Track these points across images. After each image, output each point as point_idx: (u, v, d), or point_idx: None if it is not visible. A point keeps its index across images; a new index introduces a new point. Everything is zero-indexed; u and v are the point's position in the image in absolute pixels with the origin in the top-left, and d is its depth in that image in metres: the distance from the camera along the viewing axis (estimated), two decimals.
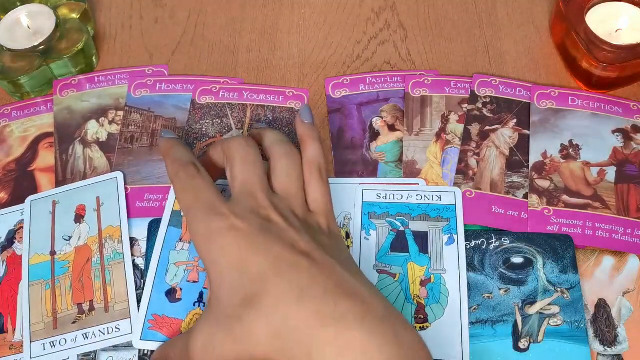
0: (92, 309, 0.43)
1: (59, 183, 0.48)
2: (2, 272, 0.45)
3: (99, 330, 0.42)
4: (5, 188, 0.48)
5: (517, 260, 0.43)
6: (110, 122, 0.51)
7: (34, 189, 0.48)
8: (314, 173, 0.40)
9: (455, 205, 0.45)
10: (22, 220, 0.46)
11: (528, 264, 0.43)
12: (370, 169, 0.48)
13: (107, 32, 0.57)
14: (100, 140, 0.50)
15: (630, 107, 0.49)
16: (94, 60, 0.54)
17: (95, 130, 0.50)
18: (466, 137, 0.49)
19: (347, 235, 0.45)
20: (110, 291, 0.43)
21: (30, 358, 0.41)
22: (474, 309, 0.42)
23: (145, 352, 0.41)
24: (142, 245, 0.45)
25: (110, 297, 0.43)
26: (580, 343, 0.40)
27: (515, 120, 0.49)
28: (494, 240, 0.44)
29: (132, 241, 0.45)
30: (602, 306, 0.42)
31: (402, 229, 0.44)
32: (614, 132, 0.48)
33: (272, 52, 0.55)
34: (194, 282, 0.43)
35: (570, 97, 0.50)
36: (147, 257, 0.44)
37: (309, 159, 0.40)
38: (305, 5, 0.58)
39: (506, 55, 0.54)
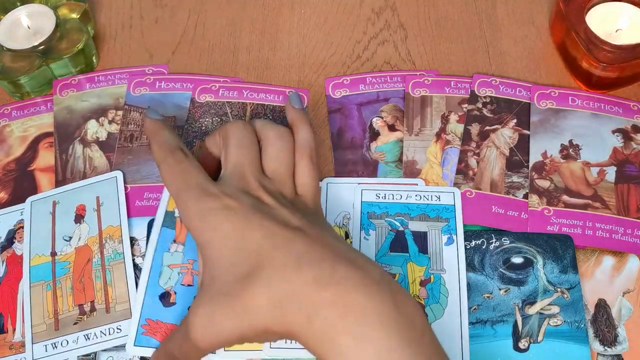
0: (93, 309, 0.43)
1: (58, 183, 0.48)
2: (2, 272, 0.45)
3: (101, 331, 0.42)
4: (5, 188, 0.48)
5: (517, 260, 0.43)
6: (110, 122, 0.51)
7: (33, 188, 0.48)
8: (304, 157, 0.40)
9: (455, 205, 0.45)
10: (22, 220, 0.46)
11: (528, 264, 0.43)
12: (370, 169, 0.48)
13: (107, 32, 0.57)
14: (100, 139, 0.50)
15: (630, 107, 0.49)
16: (94, 60, 0.54)
17: (95, 129, 0.50)
18: (466, 137, 0.49)
19: (347, 235, 0.45)
20: (111, 292, 0.43)
21: (33, 359, 0.41)
22: (474, 309, 0.42)
23: None
24: (142, 245, 0.45)
25: (111, 297, 0.43)
26: (580, 343, 0.40)
27: (515, 120, 0.49)
28: (494, 240, 0.44)
29: (132, 241, 0.45)
30: (602, 306, 0.42)
31: (401, 229, 0.44)
32: (614, 132, 0.48)
33: (272, 52, 0.55)
34: (189, 285, 0.42)
35: (570, 97, 0.50)
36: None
37: (299, 142, 0.41)
38: (305, 5, 0.58)
39: (506, 55, 0.54)
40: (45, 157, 0.50)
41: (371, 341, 0.30)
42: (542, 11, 0.57)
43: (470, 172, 0.47)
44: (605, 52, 0.48)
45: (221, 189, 0.37)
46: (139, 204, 0.47)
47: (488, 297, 0.42)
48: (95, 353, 0.41)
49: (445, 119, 0.50)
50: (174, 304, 0.42)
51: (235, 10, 0.58)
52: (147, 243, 0.45)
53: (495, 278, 0.43)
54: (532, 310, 0.42)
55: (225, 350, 0.40)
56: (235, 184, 0.37)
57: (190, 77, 0.53)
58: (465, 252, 0.43)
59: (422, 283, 0.42)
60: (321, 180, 0.47)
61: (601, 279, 0.43)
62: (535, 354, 0.40)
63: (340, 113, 0.51)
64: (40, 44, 0.51)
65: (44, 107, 0.52)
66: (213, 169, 0.42)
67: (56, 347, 0.41)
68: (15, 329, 0.43)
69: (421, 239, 0.44)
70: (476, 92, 0.51)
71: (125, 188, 0.47)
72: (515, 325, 0.41)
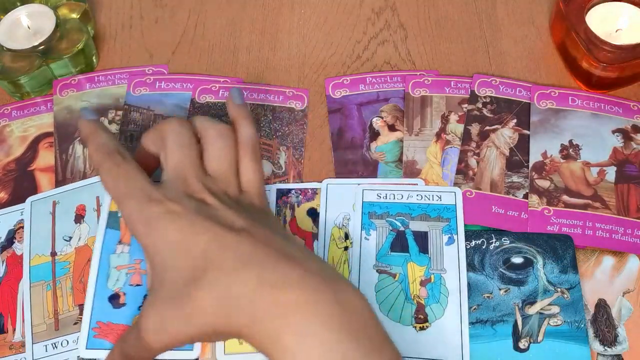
0: None
1: (58, 182, 0.48)
2: (2, 272, 0.45)
3: None
4: (5, 188, 0.48)
5: (517, 260, 0.43)
6: (110, 122, 0.51)
7: (33, 188, 0.48)
8: (248, 153, 0.40)
9: (456, 205, 0.45)
10: (22, 220, 0.46)
11: (528, 264, 0.43)
12: (370, 169, 0.48)
13: (107, 32, 0.57)
14: None
15: (630, 107, 0.49)
16: (94, 60, 0.54)
17: None
18: (466, 137, 0.49)
19: (347, 236, 0.45)
20: None
21: (33, 359, 0.41)
22: (474, 309, 0.42)
23: None
24: None
25: None
26: (580, 343, 0.40)
27: (515, 120, 0.49)
28: (494, 240, 0.44)
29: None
30: (602, 306, 0.42)
31: (402, 228, 0.44)
32: (614, 132, 0.48)
33: (272, 52, 0.55)
34: (137, 285, 0.43)
35: (570, 97, 0.50)
36: None
37: (242, 139, 0.40)
38: (305, 5, 0.58)
39: (506, 55, 0.54)
40: (45, 157, 0.50)
41: (313, 337, 0.30)
42: (542, 11, 0.57)
43: (470, 172, 0.47)
44: (605, 52, 0.48)
45: (164, 193, 0.36)
46: None
47: (488, 297, 0.42)
48: None
49: (445, 119, 0.50)
50: (123, 304, 0.42)
51: (235, 10, 0.58)
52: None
53: (495, 278, 0.43)
54: (532, 310, 0.42)
55: (225, 354, 0.40)
56: (178, 187, 0.37)
57: (190, 77, 0.53)
58: (465, 252, 0.43)
59: (423, 283, 0.42)
60: (321, 182, 0.47)
61: (601, 279, 0.43)
62: (535, 354, 0.40)
63: (340, 113, 0.51)
64: (40, 44, 0.51)
65: (44, 107, 0.52)
66: (152, 168, 0.41)
67: (56, 347, 0.41)
68: (15, 329, 0.43)
69: (422, 238, 0.44)
70: (476, 92, 0.51)
71: None
72: (515, 325, 0.41)
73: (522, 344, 0.40)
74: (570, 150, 0.48)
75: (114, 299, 0.42)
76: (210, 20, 0.57)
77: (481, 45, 0.55)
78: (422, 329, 0.41)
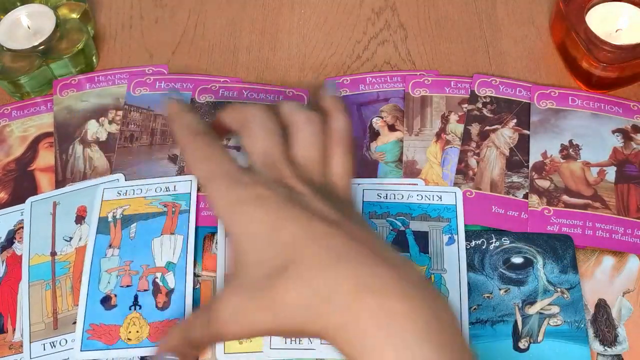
0: None
1: (58, 183, 0.48)
2: (2, 272, 0.45)
3: None
4: (5, 188, 0.48)
5: (517, 260, 0.43)
6: (110, 122, 0.51)
7: (33, 188, 0.48)
8: (340, 145, 0.38)
9: (456, 205, 0.45)
10: (22, 220, 0.46)
11: (528, 264, 0.43)
12: (370, 169, 0.48)
13: (107, 32, 0.57)
14: (100, 139, 0.50)
15: (630, 107, 0.49)
16: (94, 60, 0.54)
17: (95, 129, 0.50)
18: (466, 137, 0.49)
19: None
20: None
21: (30, 358, 0.41)
22: (474, 309, 0.42)
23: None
24: None
25: None
26: (580, 343, 0.40)
27: (515, 120, 0.49)
28: (494, 240, 0.44)
29: None
30: (602, 306, 0.42)
31: (402, 228, 0.44)
32: (614, 132, 0.48)
33: (272, 52, 0.55)
34: (128, 286, 0.43)
35: (570, 97, 0.50)
36: None
37: (335, 130, 0.38)
38: (305, 5, 0.58)
39: (506, 55, 0.54)
40: (45, 157, 0.50)
41: (410, 350, 0.29)
42: (542, 11, 0.57)
43: (470, 172, 0.47)
44: (605, 52, 0.48)
45: (252, 177, 0.35)
46: None
47: (488, 297, 0.42)
48: None
49: (445, 119, 0.50)
50: (115, 306, 0.42)
51: (235, 10, 0.58)
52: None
53: (495, 278, 0.43)
54: (532, 310, 0.42)
55: (225, 353, 0.40)
56: (267, 173, 0.35)
57: (190, 77, 0.53)
58: (465, 252, 0.43)
59: None
60: None
61: (601, 279, 0.43)
62: (535, 354, 0.40)
63: None
64: (40, 44, 0.51)
65: (44, 107, 0.52)
66: (222, 136, 0.40)
67: (54, 346, 0.41)
68: (15, 329, 0.43)
69: (422, 238, 0.44)
70: (476, 92, 0.51)
71: None
72: (515, 325, 0.41)
73: (522, 344, 0.40)
74: (570, 150, 0.48)
75: (106, 301, 0.43)
76: (210, 20, 0.57)
77: (481, 45, 0.55)
78: None
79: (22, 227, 0.46)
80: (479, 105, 0.50)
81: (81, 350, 0.41)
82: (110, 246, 0.44)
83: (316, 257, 0.32)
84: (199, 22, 0.57)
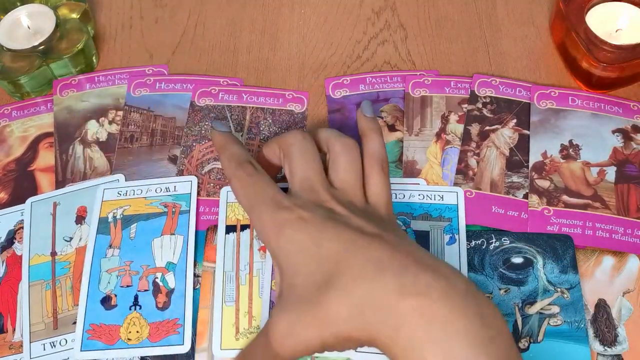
0: None
1: (58, 183, 0.48)
2: (2, 272, 0.45)
3: None
4: (5, 188, 0.48)
5: (517, 260, 0.43)
6: (110, 122, 0.51)
7: (33, 188, 0.48)
8: (375, 167, 0.40)
9: (457, 205, 0.45)
10: (22, 220, 0.46)
11: (528, 264, 0.43)
12: None
13: (107, 32, 0.57)
14: (100, 140, 0.50)
15: (630, 107, 0.49)
16: (94, 60, 0.54)
17: (95, 130, 0.50)
18: (466, 137, 0.49)
19: None
20: None
21: (30, 358, 0.41)
22: None
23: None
24: None
25: None
26: (580, 343, 0.40)
27: (515, 120, 0.49)
28: (493, 240, 0.44)
29: None
30: (602, 306, 0.42)
31: (404, 228, 0.44)
32: (614, 132, 0.48)
33: (272, 52, 0.55)
34: (128, 286, 0.43)
35: (570, 97, 0.50)
36: None
37: (370, 152, 0.41)
38: (305, 5, 0.58)
39: (506, 55, 0.54)
40: (45, 157, 0.50)
41: (457, 356, 0.29)
42: (542, 11, 0.57)
43: (470, 172, 0.47)
44: (605, 52, 0.48)
45: (295, 202, 0.37)
46: None
47: (488, 297, 0.42)
48: None
49: (445, 119, 0.50)
50: (115, 306, 0.42)
51: (235, 10, 0.58)
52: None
53: (495, 278, 0.43)
54: (532, 310, 0.42)
55: (221, 350, 0.41)
56: (307, 197, 0.37)
57: (190, 77, 0.53)
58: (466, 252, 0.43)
59: None
60: None
61: (601, 279, 0.43)
62: (535, 353, 0.40)
63: (340, 113, 0.51)
64: (40, 44, 0.51)
65: (44, 107, 0.52)
66: (271, 175, 0.42)
67: (54, 346, 0.41)
68: (15, 329, 0.43)
69: (423, 238, 0.44)
70: (476, 92, 0.51)
71: None
72: (515, 325, 0.41)
73: (522, 343, 0.40)
74: (570, 150, 0.48)
75: (106, 301, 0.43)
76: (210, 20, 0.57)
77: (481, 45, 0.55)
78: None
79: (22, 227, 0.46)
80: (479, 105, 0.50)
81: (81, 350, 0.41)
82: (110, 246, 0.44)
83: (359, 268, 0.33)
84: (199, 22, 0.57)
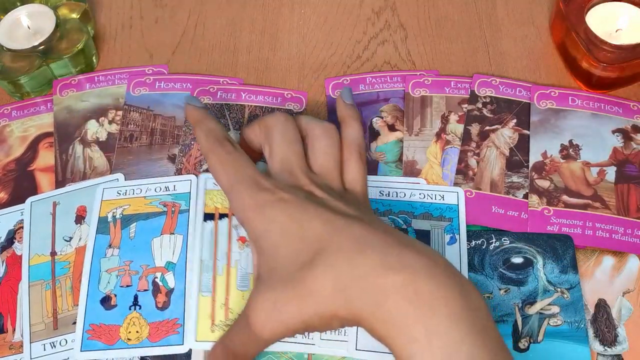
0: None
1: (58, 183, 0.48)
2: (2, 272, 0.45)
3: None
4: (5, 188, 0.48)
5: (517, 260, 0.43)
6: (110, 122, 0.51)
7: (33, 188, 0.48)
8: (353, 154, 0.40)
9: (458, 205, 0.45)
10: (22, 220, 0.46)
11: (528, 264, 0.43)
12: (370, 169, 0.48)
13: (107, 32, 0.57)
14: (100, 139, 0.50)
15: (630, 107, 0.49)
16: (94, 60, 0.54)
17: (95, 129, 0.50)
18: (466, 137, 0.49)
19: None
20: None
21: (31, 358, 0.41)
22: None
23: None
24: None
25: None
26: (580, 343, 0.40)
27: (515, 120, 0.49)
28: (493, 240, 0.44)
29: None
30: (602, 306, 0.42)
31: (404, 226, 0.44)
32: (614, 132, 0.48)
33: (272, 52, 0.55)
34: (127, 286, 0.43)
35: (570, 97, 0.50)
36: None
37: (349, 139, 0.41)
38: (305, 5, 0.58)
39: (506, 55, 0.54)
40: (45, 157, 0.50)
41: (440, 332, 0.30)
42: (542, 11, 0.57)
43: (470, 172, 0.47)
44: (605, 52, 0.48)
45: (274, 183, 0.37)
46: None
47: (488, 297, 0.42)
48: None
49: (445, 119, 0.50)
50: (115, 306, 0.42)
51: (235, 10, 0.58)
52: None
53: (495, 278, 0.43)
54: (532, 310, 0.42)
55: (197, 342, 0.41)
56: (286, 179, 0.38)
57: (190, 77, 0.53)
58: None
59: None
60: None
61: (601, 279, 0.43)
62: (535, 354, 0.40)
63: None
64: (40, 44, 0.51)
65: (44, 107, 0.52)
66: (253, 159, 0.41)
67: (54, 347, 0.41)
68: (15, 329, 0.43)
69: (424, 237, 0.44)
70: (476, 92, 0.51)
71: None
72: (515, 325, 0.41)
73: (522, 344, 0.40)
74: (570, 150, 0.48)
75: (106, 301, 0.42)
76: (210, 20, 0.57)
77: (481, 45, 0.55)
78: None
79: (22, 227, 0.46)
80: (479, 105, 0.50)
81: (81, 351, 0.41)
82: (110, 246, 0.44)
83: (342, 245, 0.33)
84: (199, 22, 0.57)
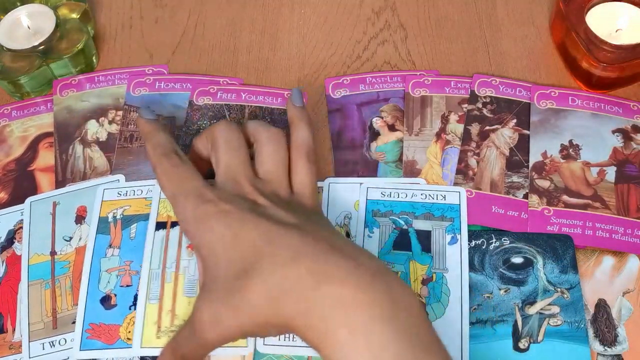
0: None
1: (58, 183, 0.48)
2: (2, 272, 0.45)
3: None
4: (5, 188, 0.48)
5: (517, 260, 0.43)
6: (110, 122, 0.51)
7: (33, 188, 0.48)
8: (302, 155, 0.40)
9: (460, 205, 0.45)
10: (22, 220, 0.46)
11: (528, 264, 0.43)
12: (370, 169, 0.48)
13: (107, 32, 0.57)
14: (100, 140, 0.50)
15: (630, 107, 0.49)
16: (94, 60, 0.54)
17: (95, 130, 0.50)
18: (466, 137, 0.49)
19: (347, 235, 0.45)
20: None
21: (29, 358, 0.41)
22: (474, 309, 0.42)
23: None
24: None
25: None
26: (580, 343, 0.40)
27: (515, 120, 0.49)
28: (494, 240, 0.44)
29: None
30: (602, 306, 0.42)
31: (405, 227, 0.44)
32: (614, 132, 0.48)
33: (272, 52, 0.55)
34: (128, 286, 0.43)
35: (570, 97, 0.50)
36: None
37: (297, 141, 0.41)
38: (305, 5, 0.58)
39: (506, 55, 0.54)
40: (45, 157, 0.49)
41: (366, 334, 0.31)
42: (542, 11, 0.57)
43: (470, 172, 0.47)
44: (605, 52, 0.48)
45: (217, 193, 0.37)
46: None
47: (488, 297, 0.42)
48: None
49: (445, 119, 0.50)
50: (114, 305, 0.42)
51: (235, 10, 0.58)
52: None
53: (495, 278, 0.43)
54: (532, 310, 0.42)
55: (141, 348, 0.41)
56: (230, 189, 0.38)
57: (190, 77, 0.53)
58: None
59: (424, 281, 0.42)
60: (323, 180, 0.47)
61: (601, 279, 0.43)
62: (535, 354, 0.40)
63: (340, 113, 0.51)
64: (40, 44, 0.51)
65: (44, 107, 0.52)
66: (204, 170, 0.42)
67: (54, 346, 0.41)
68: (15, 329, 0.43)
69: (425, 237, 0.44)
70: (476, 92, 0.51)
71: None
72: (515, 325, 0.41)
73: (522, 344, 0.40)
74: (570, 150, 0.48)
75: (106, 300, 0.43)
76: (210, 20, 0.57)
77: (481, 45, 0.55)
78: None
79: (22, 227, 0.46)
80: (479, 105, 0.50)
81: (80, 350, 0.41)
82: (110, 246, 0.44)
83: (274, 256, 0.34)
84: (199, 22, 0.57)
